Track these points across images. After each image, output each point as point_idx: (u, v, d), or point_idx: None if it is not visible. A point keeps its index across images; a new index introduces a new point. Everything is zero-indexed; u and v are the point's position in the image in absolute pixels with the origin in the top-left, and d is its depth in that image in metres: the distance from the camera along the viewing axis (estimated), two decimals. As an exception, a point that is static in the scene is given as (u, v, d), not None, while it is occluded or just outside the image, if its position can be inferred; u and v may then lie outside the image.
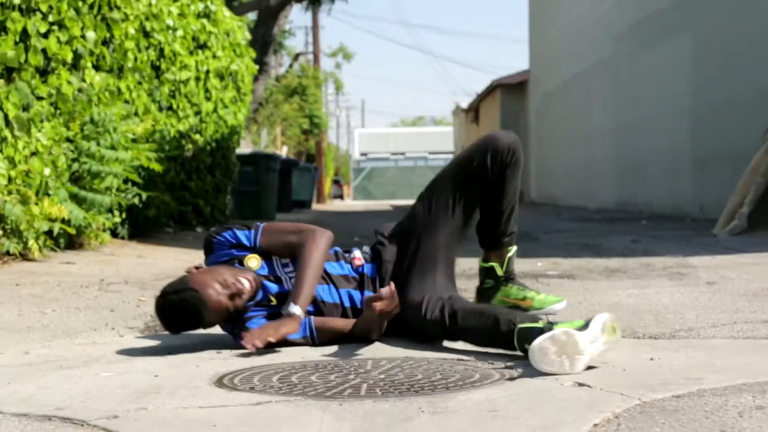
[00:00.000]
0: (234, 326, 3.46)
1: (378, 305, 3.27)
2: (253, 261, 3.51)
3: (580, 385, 2.61)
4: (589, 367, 2.84)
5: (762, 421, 2.16)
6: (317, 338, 3.43)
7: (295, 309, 3.33)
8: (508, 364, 2.97)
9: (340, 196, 53.73)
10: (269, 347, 3.26)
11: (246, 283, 3.35)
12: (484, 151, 3.55)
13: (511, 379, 2.76)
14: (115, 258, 7.30)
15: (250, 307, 3.45)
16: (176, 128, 10.53)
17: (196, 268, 3.47)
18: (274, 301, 3.47)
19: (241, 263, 3.51)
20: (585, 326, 2.86)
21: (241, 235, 3.55)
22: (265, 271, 3.52)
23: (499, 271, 3.70)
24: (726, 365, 2.85)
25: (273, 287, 3.50)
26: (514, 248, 3.74)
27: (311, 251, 3.46)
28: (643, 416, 2.25)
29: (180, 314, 3.34)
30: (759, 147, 9.41)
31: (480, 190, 3.61)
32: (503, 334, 3.10)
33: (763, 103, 10.77)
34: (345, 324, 3.48)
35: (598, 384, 2.61)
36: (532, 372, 2.82)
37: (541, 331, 2.91)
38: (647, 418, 2.23)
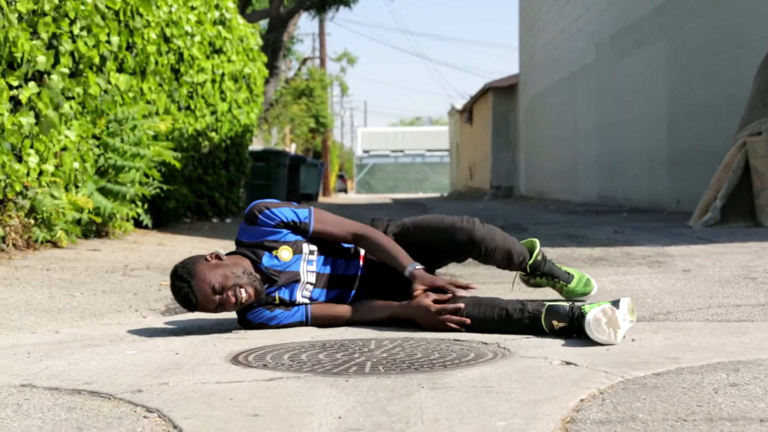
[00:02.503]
0: (242, 310, 3.42)
1: (429, 301, 3.23)
2: (286, 253, 3.40)
3: (567, 363, 2.61)
4: (575, 347, 2.84)
5: (735, 397, 2.16)
6: (310, 323, 3.42)
7: (412, 265, 3.34)
8: (500, 344, 2.97)
9: (344, 190, 53.74)
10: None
11: (243, 296, 3.24)
12: (461, 245, 3.47)
13: (503, 357, 2.75)
14: (138, 245, 7.29)
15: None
16: (194, 127, 10.52)
17: (217, 257, 3.34)
18: (277, 301, 3.42)
19: (269, 250, 3.40)
20: (614, 305, 2.99)
21: (301, 213, 3.43)
22: (293, 264, 3.42)
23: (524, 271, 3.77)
24: (702, 346, 2.84)
25: (285, 292, 3.41)
26: (536, 250, 3.73)
27: (379, 234, 3.46)
28: (625, 392, 2.24)
29: (176, 298, 3.32)
30: (731, 146, 9.40)
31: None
32: (515, 320, 3.13)
33: (734, 106, 10.75)
34: (342, 310, 3.43)
35: (583, 362, 2.60)
36: (522, 352, 2.82)
37: (570, 309, 3.02)
38: (629, 394, 2.23)
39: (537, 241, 3.80)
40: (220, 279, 3.22)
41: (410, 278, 3.35)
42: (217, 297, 3.23)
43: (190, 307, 3.28)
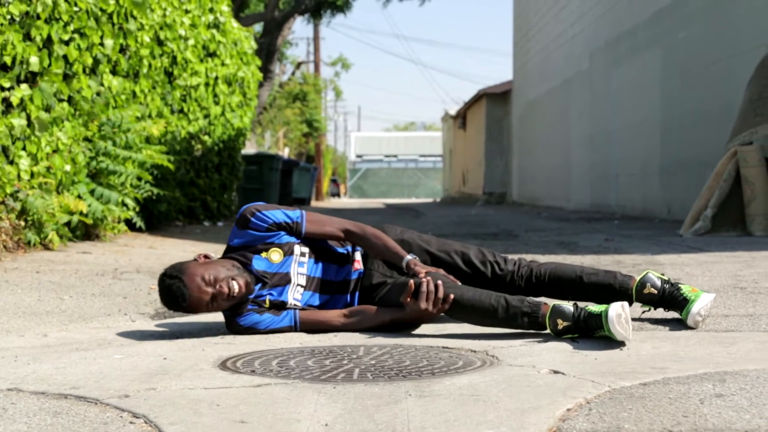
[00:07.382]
0: (231, 313, 3.42)
1: (422, 304, 3.23)
2: (276, 255, 3.42)
3: (555, 372, 2.61)
4: (563, 356, 2.84)
5: (721, 408, 2.16)
6: (299, 328, 3.42)
7: (408, 257, 3.41)
8: (489, 352, 2.97)
9: (337, 194, 53.73)
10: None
11: (235, 288, 3.27)
12: None
13: (492, 365, 2.76)
14: (128, 248, 7.28)
15: (249, 301, 3.41)
16: (186, 130, 10.52)
17: (205, 257, 3.39)
18: (267, 305, 3.42)
19: (259, 252, 3.40)
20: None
21: (292, 214, 3.46)
22: (283, 266, 3.43)
23: None
24: (689, 356, 2.85)
25: (274, 293, 3.42)
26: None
27: (371, 229, 3.50)
28: (612, 402, 2.25)
29: (166, 298, 3.30)
30: (722, 155, 9.42)
31: None
32: (513, 307, 3.16)
33: (728, 115, 10.78)
34: (332, 316, 3.43)
35: (571, 371, 2.61)
36: (511, 360, 2.82)
37: (575, 310, 3.10)
38: (616, 404, 2.23)
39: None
40: (213, 272, 3.26)
41: (406, 268, 3.40)
42: (210, 289, 3.24)
43: (182, 303, 3.25)
